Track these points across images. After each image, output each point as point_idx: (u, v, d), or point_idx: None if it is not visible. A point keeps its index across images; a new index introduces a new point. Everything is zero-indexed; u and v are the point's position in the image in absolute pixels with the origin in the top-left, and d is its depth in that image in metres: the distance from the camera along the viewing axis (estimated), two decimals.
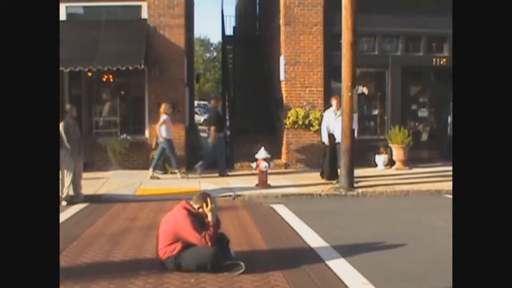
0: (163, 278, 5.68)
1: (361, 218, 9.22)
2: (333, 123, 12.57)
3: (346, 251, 6.81)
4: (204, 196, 6.06)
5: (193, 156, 15.86)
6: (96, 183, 12.33)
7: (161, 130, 13.27)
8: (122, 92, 15.71)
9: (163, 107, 13.45)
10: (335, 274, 5.88)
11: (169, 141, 13.40)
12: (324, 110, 13.92)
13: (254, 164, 12.39)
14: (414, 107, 16.70)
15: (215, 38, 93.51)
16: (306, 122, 14.88)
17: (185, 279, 5.59)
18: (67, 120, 10.27)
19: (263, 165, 11.93)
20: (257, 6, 23.24)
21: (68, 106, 10.66)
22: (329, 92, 14.97)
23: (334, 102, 12.73)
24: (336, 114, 12.56)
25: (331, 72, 14.78)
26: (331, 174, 12.61)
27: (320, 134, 13.30)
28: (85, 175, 10.75)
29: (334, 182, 12.19)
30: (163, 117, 13.30)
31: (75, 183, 10.33)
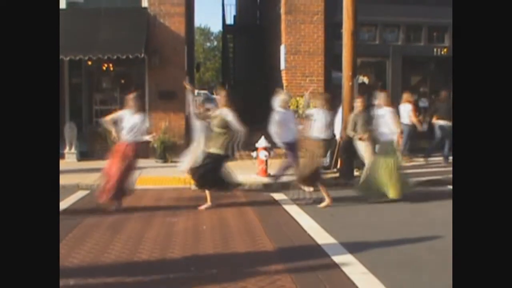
0: (164, 270, 5.70)
1: (360, 207, 9.22)
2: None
3: (345, 239, 6.82)
4: None
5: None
6: (96, 172, 12.30)
7: (407, 117, 13.86)
8: (122, 81, 15.68)
9: (405, 96, 14.07)
10: (334, 262, 5.90)
11: (410, 127, 13.96)
12: None
13: (254, 153, 12.38)
14: (414, 97, 16.64)
15: (216, 27, 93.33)
16: (307, 111, 14.86)
17: (187, 271, 5.61)
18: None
19: (263, 154, 11.93)
20: None
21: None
22: (330, 81, 14.95)
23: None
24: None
25: (332, 61, 14.75)
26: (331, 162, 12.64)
27: None
28: (85, 164, 10.75)
29: (334, 170, 12.21)
30: (410, 106, 13.91)
31: None
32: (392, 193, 9.44)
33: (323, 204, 9.11)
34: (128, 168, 8.79)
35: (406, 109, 13.97)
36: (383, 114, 9.77)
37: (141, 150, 13.62)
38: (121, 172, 8.63)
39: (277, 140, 10.58)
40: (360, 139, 10.73)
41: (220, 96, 9.39)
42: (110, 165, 8.75)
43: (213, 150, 8.90)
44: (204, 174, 8.88)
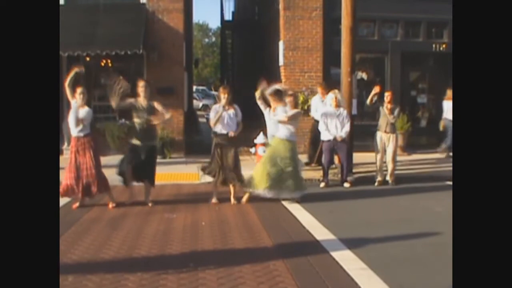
0: (163, 266, 5.70)
1: (359, 203, 9.23)
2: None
3: (344, 236, 6.83)
4: None
5: (191, 141, 15.82)
6: None
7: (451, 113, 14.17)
8: (121, 77, 15.62)
9: (450, 93, 14.45)
10: (333, 258, 5.90)
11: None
12: None
13: (252, 149, 12.37)
14: (413, 93, 16.67)
15: (214, 23, 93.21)
16: (305, 107, 14.84)
17: (185, 266, 5.61)
18: None
19: (262, 150, 11.92)
20: None
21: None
22: (328, 77, 14.93)
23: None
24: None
25: (331, 57, 14.70)
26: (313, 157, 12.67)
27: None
28: None
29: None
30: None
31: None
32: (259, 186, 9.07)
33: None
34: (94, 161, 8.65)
35: (450, 106, 14.10)
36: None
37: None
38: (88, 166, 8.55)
39: (325, 137, 10.87)
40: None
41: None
42: (74, 161, 8.61)
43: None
44: None
